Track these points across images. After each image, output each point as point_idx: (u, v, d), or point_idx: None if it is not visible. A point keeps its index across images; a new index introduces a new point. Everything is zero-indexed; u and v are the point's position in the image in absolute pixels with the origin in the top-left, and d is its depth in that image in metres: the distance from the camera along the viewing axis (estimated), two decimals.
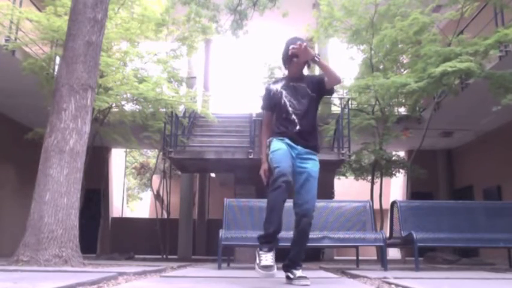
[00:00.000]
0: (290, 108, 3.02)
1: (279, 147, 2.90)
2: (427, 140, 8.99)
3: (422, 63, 7.43)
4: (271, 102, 3.13)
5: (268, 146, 3.01)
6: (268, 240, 2.68)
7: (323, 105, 11.10)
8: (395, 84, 7.52)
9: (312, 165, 3.01)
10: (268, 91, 3.19)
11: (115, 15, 8.03)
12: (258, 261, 2.61)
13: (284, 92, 3.08)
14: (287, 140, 2.95)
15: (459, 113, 9.61)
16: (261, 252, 2.62)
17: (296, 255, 2.90)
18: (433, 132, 9.83)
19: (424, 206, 5.49)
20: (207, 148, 9.04)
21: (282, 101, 3.05)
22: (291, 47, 2.94)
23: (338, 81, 3.02)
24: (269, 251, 2.62)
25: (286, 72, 3.25)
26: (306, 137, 3.01)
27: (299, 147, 2.97)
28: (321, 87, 3.08)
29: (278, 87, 3.14)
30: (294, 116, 2.99)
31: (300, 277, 2.75)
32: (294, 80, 3.13)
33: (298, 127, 2.97)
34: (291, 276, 2.81)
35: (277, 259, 2.71)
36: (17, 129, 9.79)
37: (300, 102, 3.04)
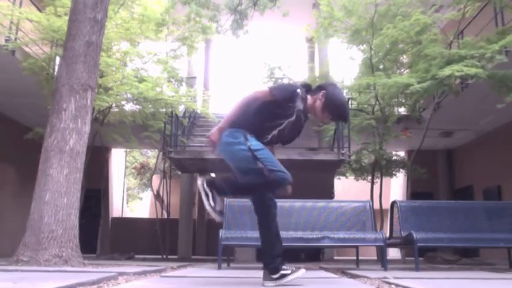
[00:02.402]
0: (276, 131, 2.84)
1: (262, 145, 2.76)
2: (427, 140, 8.98)
3: (425, 63, 7.42)
4: (285, 104, 2.80)
5: (243, 137, 2.74)
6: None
7: None
8: (398, 85, 7.52)
9: None
10: (294, 97, 2.81)
11: (115, 15, 8.03)
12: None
13: (292, 119, 2.84)
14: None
15: (459, 113, 9.61)
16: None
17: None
18: (433, 132, 9.83)
19: (424, 206, 5.49)
20: (207, 148, 9.04)
21: (281, 122, 2.82)
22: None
23: None
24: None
25: (312, 100, 2.90)
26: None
27: None
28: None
29: (298, 105, 2.83)
30: (271, 136, 2.85)
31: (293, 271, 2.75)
32: (306, 115, 2.95)
33: (266, 141, 2.84)
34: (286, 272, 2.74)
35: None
36: (17, 129, 9.79)
37: (288, 136, 2.92)
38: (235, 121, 2.79)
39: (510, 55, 7.13)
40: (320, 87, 2.91)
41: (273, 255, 2.75)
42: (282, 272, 2.68)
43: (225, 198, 5.12)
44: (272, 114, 2.82)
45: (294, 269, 2.73)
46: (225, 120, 2.79)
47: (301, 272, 2.73)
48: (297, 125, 2.91)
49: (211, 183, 2.70)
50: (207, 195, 2.67)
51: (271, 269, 2.72)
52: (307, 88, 2.95)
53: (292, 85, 2.95)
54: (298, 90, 2.83)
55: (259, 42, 14.61)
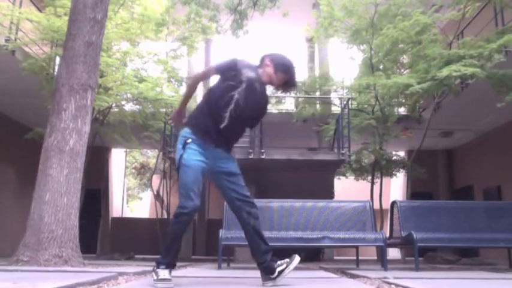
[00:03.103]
0: (232, 105, 2.70)
1: (192, 163, 2.66)
2: (427, 140, 8.99)
3: (425, 63, 7.42)
4: (228, 73, 2.75)
5: (182, 142, 2.73)
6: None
7: (323, 105, 11.12)
8: (398, 85, 7.52)
9: (233, 164, 2.86)
10: (236, 65, 2.76)
11: (115, 15, 8.03)
12: (155, 277, 2.61)
13: (243, 87, 2.73)
14: (199, 146, 2.72)
15: (459, 113, 9.61)
16: (158, 269, 2.63)
17: (266, 245, 2.79)
18: (433, 132, 9.83)
19: (424, 206, 5.49)
20: None
21: (231, 95, 2.71)
22: None
23: None
24: (166, 268, 2.64)
25: (262, 70, 2.87)
26: (226, 137, 2.80)
27: (218, 150, 2.78)
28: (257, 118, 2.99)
29: (247, 74, 2.75)
30: (228, 114, 2.70)
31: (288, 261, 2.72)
32: (261, 84, 2.84)
33: (223, 125, 2.70)
34: (282, 267, 2.71)
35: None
36: (17, 129, 9.79)
37: (246, 106, 2.74)
38: (191, 115, 2.89)
39: (509, 55, 7.14)
40: (262, 58, 2.91)
41: (261, 253, 2.74)
42: (278, 269, 2.67)
43: None
44: (220, 89, 2.75)
45: (288, 260, 2.70)
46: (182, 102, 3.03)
47: (296, 260, 2.71)
48: (254, 97, 2.77)
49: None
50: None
51: (266, 269, 2.71)
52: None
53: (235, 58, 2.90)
54: (239, 58, 2.83)
55: (259, 42, 14.59)
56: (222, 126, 2.71)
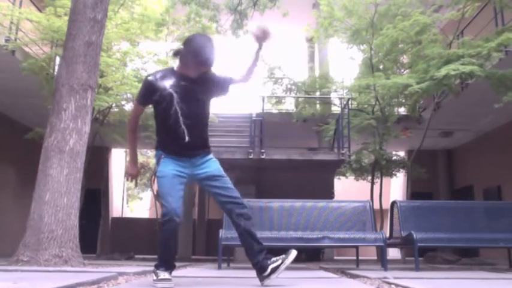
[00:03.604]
0: (181, 118, 2.67)
1: (165, 172, 2.67)
2: (427, 140, 8.99)
3: (424, 63, 7.43)
4: (152, 98, 2.72)
5: (157, 162, 2.77)
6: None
7: (323, 105, 11.13)
8: (397, 85, 7.52)
9: (213, 166, 2.79)
10: (152, 86, 2.70)
11: (115, 15, 8.03)
12: (155, 277, 2.62)
13: (175, 96, 2.67)
14: (174, 159, 2.71)
15: (459, 113, 9.61)
16: (158, 270, 2.64)
17: (259, 245, 2.76)
18: (433, 132, 9.83)
19: (424, 206, 5.49)
20: None
21: (173, 108, 2.66)
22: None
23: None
24: (166, 270, 2.65)
25: (176, 64, 2.78)
26: (196, 145, 2.75)
27: (192, 159, 2.75)
28: (221, 89, 2.86)
29: (167, 84, 2.68)
30: (183, 126, 2.67)
31: (284, 256, 2.69)
32: (187, 79, 2.72)
33: (187, 139, 2.69)
34: (278, 263, 2.68)
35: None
36: (17, 129, 9.79)
37: (191, 108, 2.69)
38: (157, 139, 2.82)
39: (509, 55, 7.15)
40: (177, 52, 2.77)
41: (254, 253, 2.74)
42: (272, 266, 2.66)
43: None
44: (161, 110, 2.72)
45: (284, 255, 2.68)
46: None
47: (293, 254, 2.69)
48: (192, 94, 2.72)
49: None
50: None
51: (260, 268, 2.70)
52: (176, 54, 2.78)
53: (145, 77, 2.84)
54: (149, 78, 2.75)
55: None
56: (186, 140, 2.70)
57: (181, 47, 2.76)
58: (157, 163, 2.77)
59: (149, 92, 2.73)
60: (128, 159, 2.91)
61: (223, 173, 2.80)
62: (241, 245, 2.84)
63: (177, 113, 2.67)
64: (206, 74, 2.76)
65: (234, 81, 2.91)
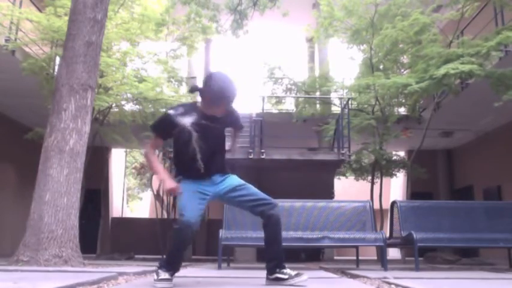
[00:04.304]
0: (199, 155, 2.71)
1: (185, 188, 2.71)
2: (427, 140, 8.99)
3: (424, 63, 7.43)
4: (171, 133, 2.76)
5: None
6: (170, 268, 2.71)
7: (323, 105, 11.12)
8: (397, 85, 7.52)
9: (233, 180, 2.83)
10: (172, 122, 2.71)
11: (115, 15, 8.04)
12: (156, 277, 2.65)
13: (195, 135, 2.69)
14: (194, 180, 2.75)
15: (459, 113, 9.61)
16: (159, 270, 2.66)
17: (278, 253, 2.77)
18: (433, 132, 9.83)
19: (424, 206, 5.49)
20: None
21: (191, 146, 2.70)
22: None
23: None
24: (167, 271, 2.67)
25: (199, 102, 2.79)
26: (213, 170, 2.79)
27: (211, 178, 2.79)
28: (231, 125, 2.99)
29: (187, 122, 2.70)
30: (200, 162, 2.72)
31: (298, 274, 2.71)
32: (209, 118, 2.73)
33: (203, 171, 2.74)
34: (284, 276, 2.71)
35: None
36: (17, 129, 9.79)
37: (209, 145, 2.74)
38: (175, 169, 2.87)
39: (509, 55, 7.15)
40: (197, 89, 2.75)
41: (267, 257, 2.79)
42: (278, 275, 2.71)
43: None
44: (180, 144, 2.75)
45: (296, 273, 2.71)
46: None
47: (303, 278, 2.70)
48: (210, 132, 2.74)
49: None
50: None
51: (268, 270, 2.76)
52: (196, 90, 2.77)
53: (166, 112, 2.81)
54: (170, 111, 2.74)
55: (259, 42, 14.60)
56: (202, 172, 2.73)
57: (195, 83, 2.80)
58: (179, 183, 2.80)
59: (169, 127, 2.74)
60: (158, 177, 2.88)
61: (243, 182, 2.83)
62: (269, 243, 2.81)
63: (194, 151, 2.71)
64: (228, 115, 2.83)
65: (240, 126, 3.06)
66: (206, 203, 2.77)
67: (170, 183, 2.69)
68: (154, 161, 2.86)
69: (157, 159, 2.96)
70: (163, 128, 2.79)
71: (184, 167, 2.81)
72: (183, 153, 2.76)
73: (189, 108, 2.77)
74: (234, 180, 2.83)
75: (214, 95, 2.63)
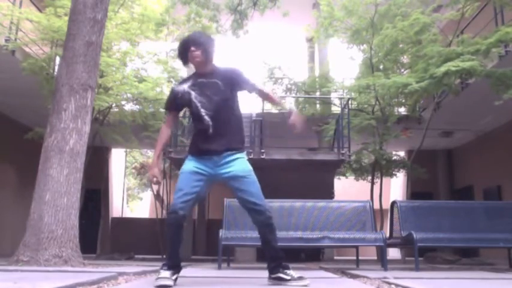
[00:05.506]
0: (202, 110, 2.81)
1: (184, 169, 2.80)
2: (427, 140, 8.99)
3: (424, 63, 7.43)
4: (177, 103, 2.96)
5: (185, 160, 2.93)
6: (170, 267, 2.76)
7: (323, 105, 11.12)
8: (397, 85, 7.52)
9: (238, 166, 2.81)
10: (175, 93, 2.94)
11: (115, 15, 8.03)
12: (157, 276, 2.70)
13: (193, 93, 2.86)
14: (197, 157, 2.82)
15: (459, 113, 9.61)
16: (161, 270, 2.71)
17: (273, 252, 2.82)
18: (433, 132, 9.83)
19: (424, 206, 5.49)
20: None
21: (193, 104, 2.84)
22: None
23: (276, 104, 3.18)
24: (168, 269, 2.71)
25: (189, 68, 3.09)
26: (223, 138, 2.81)
27: (214, 157, 2.79)
28: (235, 83, 2.93)
29: (185, 86, 2.90)
30: (207, 118, 2.80)
31: (301, 277, 2.73)
32: (203, 75, 2.91)
33: (211, 130, 2.79)
34: (286, 277, 2.73)
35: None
36: (17, 129, 9.79)
37: (212, 100, 2.83)
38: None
39: (509, 55, 7.15)
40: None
41: (267, 258, 2.86)
42: (279, 275, 2.78)
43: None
44: (190, 113, 2.95)
45: (298, 277, 2.74)
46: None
47: (304, 282, 2.72)
48: (210, 88, 2.86)
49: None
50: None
51: (270, 270, 2.83)
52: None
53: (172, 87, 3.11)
54: (173, 86, 3.14)
55: (259, 42, 14.60)
56: (210, 132, 2.80)
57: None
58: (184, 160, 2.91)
59: (174, 98, 2.96)
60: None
61: (248, 173, 2.82)
62: (264, 243, 2.90)
63: (197, 107, 2.83)
64: (226, 71, 2.94)
65: (253, 87, 3.02)
66: (203, 183, 2.78)
67: (151, 169, 2.90)
68: (159, 140, 2.99)
69: (163, 138, 3.00)
70: (170, 101, 3.00)
71: (194, 136, 2.92)
72: (193, 119, 2.93)
73: (187, 77, 3.04)
74: (238, 167, 2.81)
75: (178, 53, 2.95)
